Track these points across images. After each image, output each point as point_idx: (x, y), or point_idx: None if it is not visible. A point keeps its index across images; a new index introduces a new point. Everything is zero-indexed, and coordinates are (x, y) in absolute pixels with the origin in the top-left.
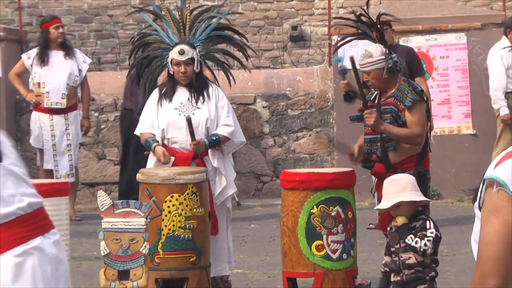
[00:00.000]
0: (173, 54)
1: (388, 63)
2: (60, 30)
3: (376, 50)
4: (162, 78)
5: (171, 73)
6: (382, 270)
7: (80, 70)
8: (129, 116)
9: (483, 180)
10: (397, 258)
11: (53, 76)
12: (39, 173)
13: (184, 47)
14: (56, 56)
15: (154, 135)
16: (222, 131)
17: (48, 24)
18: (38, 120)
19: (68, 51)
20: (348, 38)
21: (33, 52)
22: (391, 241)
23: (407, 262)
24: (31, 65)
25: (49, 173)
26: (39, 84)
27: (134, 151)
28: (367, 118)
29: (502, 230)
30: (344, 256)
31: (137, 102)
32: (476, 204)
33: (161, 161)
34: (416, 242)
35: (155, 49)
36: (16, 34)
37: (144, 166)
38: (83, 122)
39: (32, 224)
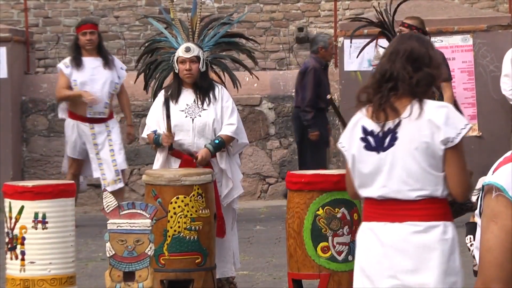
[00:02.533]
0: (179, 52)
1: None
2: (88, 37)
3: None
4: (169, 79)
5: (177, 71)
6: None
7: (119, 77)
8: (299, 115)
9: (482, 187)
10: None
11: (96, 85)
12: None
13: (190, 45)
14: (94, 63)
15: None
16: (225, 130)
17: (77, 29)
18: (76, 129)
19: (106, 59)
20: (368, 41)
21: (68, 60)
22: None
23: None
24: (71, 73)
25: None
26: None
27: (311, 150)
28: None
29: (502, 235)
30: (350, 258)
31: (303, 99)
32: (477, 211)
33: (164, 144)
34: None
35: (163, 54)
36: (22, 35)
37: (323, 165)
38: (129, 130)
39: None
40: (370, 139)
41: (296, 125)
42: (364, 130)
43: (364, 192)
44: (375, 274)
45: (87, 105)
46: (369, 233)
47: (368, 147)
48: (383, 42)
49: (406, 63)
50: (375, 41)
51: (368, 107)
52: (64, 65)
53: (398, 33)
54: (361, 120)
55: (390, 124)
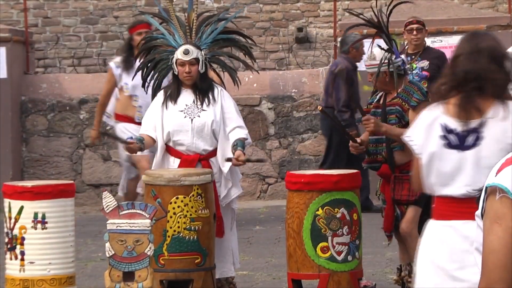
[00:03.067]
0: (178, 54)
1: (389, 68)
2: (144, 36)
3: (379, 53)
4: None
5: (176, 73)
6: None
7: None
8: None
9: (485, 188)
10: None
11: (148, 89)
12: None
13: (189, 47)
14: None
15: (148, 137)
16: (242, 133)
17: (132, 29)
18: (126, 131)
19: None
20: (361, 36)
21: (119, 59)
22: None
23: None
24: (120, 75)
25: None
26: (130, 96)
27: (335, 151)
28: (366, 124)
29: (506, 237)
30: (349, 258)
31: (338, 99)
32: (479, 213)
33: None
34: None
35: (161, 52)
36: (22, 35)
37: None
38: None
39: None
40: (452, 137)
41: (325, 125)
42: (445, 128)
43: (443, 191)
44: (457, 270)
45: (135, 109)
46: (449, 230)
47: (449, 145)
48: (380, 43)
49: (490, 62)
50: (371, 41)
51: (448, 104)
52: (115, 64)
53: (407, 32)
54: (440, 117)
55: (473, 123)
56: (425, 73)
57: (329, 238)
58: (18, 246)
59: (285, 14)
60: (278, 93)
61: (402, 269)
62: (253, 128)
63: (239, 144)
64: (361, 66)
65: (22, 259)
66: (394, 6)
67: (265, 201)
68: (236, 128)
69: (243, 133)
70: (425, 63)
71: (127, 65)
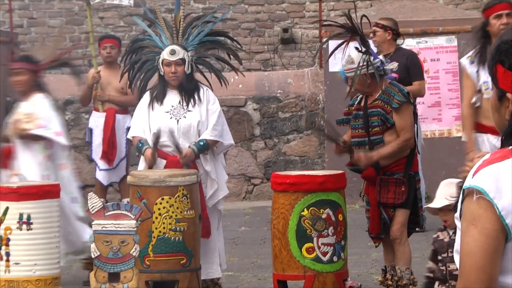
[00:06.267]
0: (164, 55)
1: (369, 69)
2: (504, 20)
3: (357, 56)
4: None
5: (162, 74)
6: (426, 274)
7: None
8: None
9: (462, 191)
10: (444, 267)
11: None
12: None
13: (175, 47)
14: None
15: (145, 140)
16: (209, 135)
17: (488, 11)
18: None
19: None
20: (339, 43)
21: (473, 53)
22: (439, 248)
23: (454, 272)
24: (478, 72)
25: None
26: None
27: None
28: (359, 163)
29: (481, 239)
30: (335, 258)
31: None
32: (457, 215)
33: (146, 163)
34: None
35: (147, 53)
36: (7, 36)
37: None
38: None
39: None
40: None
41: None
42: None
43: None
44: None
45: None
46: None
47: None
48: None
49: None
50: (345, 46)
51: None
52: (469, 60)
53: (372, 34)
54: None
55: None
56: (394, 75)
57: (315, 238)
58: (3, 247)
59: (271, 15)
60: (264, 94)
61: (387, 270)
62: (239, 129)
63: (195, 144)
64: None
65: (8, 260)
66: (362, 16)
67: (250, 202)
68: (209, 129)
69: (211, 134)
70: (394, 65)
71: (482, 58)
